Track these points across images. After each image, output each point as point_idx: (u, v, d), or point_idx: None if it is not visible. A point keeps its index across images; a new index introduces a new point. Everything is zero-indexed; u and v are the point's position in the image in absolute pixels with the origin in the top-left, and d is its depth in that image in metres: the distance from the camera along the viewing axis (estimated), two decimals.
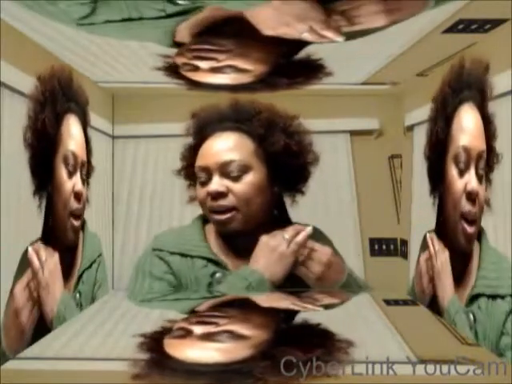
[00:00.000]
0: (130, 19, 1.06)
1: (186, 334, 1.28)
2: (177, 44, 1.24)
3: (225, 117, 1.67)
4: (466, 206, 1.32)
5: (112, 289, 1.83)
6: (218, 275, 1.63)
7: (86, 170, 1.59)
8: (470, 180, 1.31)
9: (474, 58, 1.30)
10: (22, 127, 1.21)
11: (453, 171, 1.40)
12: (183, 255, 1.66)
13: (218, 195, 1.58)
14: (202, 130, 1.68)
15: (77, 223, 1.51)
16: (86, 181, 1.58)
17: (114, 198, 1.89)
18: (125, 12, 1.03)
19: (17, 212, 1.19)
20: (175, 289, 1.65)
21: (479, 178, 1.27)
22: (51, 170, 1.36)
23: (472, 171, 1.31)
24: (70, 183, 1.44)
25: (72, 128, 1.47)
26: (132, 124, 1.89)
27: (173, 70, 1.45)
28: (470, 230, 1.31)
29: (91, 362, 1.13)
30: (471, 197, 1.30)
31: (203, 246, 1.66)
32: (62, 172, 1.40)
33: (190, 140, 1.71)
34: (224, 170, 1.59)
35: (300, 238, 1.65)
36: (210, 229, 1.71)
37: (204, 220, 1.72)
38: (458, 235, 1.37)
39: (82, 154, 1.53)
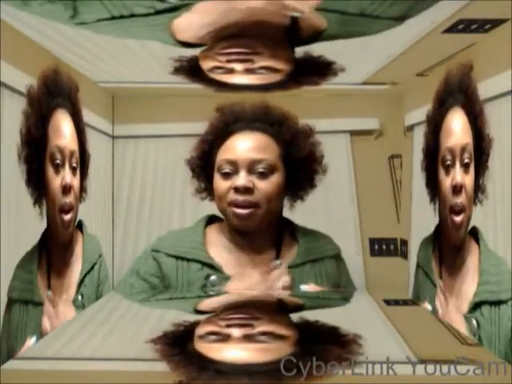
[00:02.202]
0: (122, 17, 1.06)
1: (226, 337, 1.27)
2: (183, 44, 1.25)
3: (255, 117, 1.69)
4: (452, 199, 1.37)
5: (112, 289, 1.83)
6: (212, 278, 1.64)
7: (81, 158, 1.55)
8: (455, 175, 1.35)
9: (459, 64, 1.33)
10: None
11: (441, 174, 1.44)
12: (178, 258, 1.67)
13: (245, 190, 1.59)
14: (229, 125, 1.68)
15: (67, 217, 1.46)
16: (76, 169, 1.52)
17: (114, 198, 1.89)
18: (112, 10, 1.03)
19: (17, 221, 1.19)
20: (156, 291, 1.66)
21: (465, 167, 1.31)
22: (44, 178, 1.33)
23: (457, 165, 1.35)
24: (58, 179, 1.40)
25: (59, 124, 1.42)
26: (132, 124, 1.89)
27: (192, 73, 1.47)
28: (458, 218, 1.35)
29: (91, 362, 1.13)
30: (456, 189, 1.35)
31: (200, 250, 1.67)
32: (50, 172, 1.36)
33: (210, 132, 1.70)
34: (253, 166, 1.60)
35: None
36: (213, 229, 1.72)
37: (208, 221, 1.72)
38: (449, 228, 1.40)
39: (70, 145, 1.47)
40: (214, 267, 1.65)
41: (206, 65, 1.39)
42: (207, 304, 1.58)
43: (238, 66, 1.37)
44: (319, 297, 1.67)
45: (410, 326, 1.40)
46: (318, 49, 1.32)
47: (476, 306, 1.24)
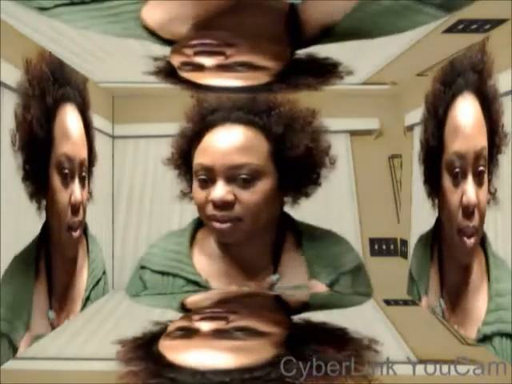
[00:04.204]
0: (82, 2, 0.95)
1: (192, 333, 1.13)
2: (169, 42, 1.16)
3: (237, 105, 1.39)
4: (462, 222, 1.17)
5: (112, 289, 1.83)
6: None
7: (88, 161, 1.44)
8: (466, 190, 1.14)
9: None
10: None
11: (446, 182, 1.26)
12: (164, 273, 1.50)
13: (224, 204, 1.34)
14: (207, 116, 1.41)
15: (75, 234, 1.37)
16: (85, 178, 1.41)
17: (114, 198, 1.89)
18: None
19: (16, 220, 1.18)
20: None
21: (478, 176, 1.14)
22: (46, 176, 1.23)
23: (469, 178, 1.15)
24: (66, 194, 1.27)
25: (67, 122, 1.29)
26: (132, 124, 1.89)
27: (168, 73, 1.33)
28: (470, 242, 1.19)
29: (91, 362, 1.13)
30: (468, 210, 1.14)
31: (186, 264, 1.48)
32: (56, 181, 1.24)
33: (187, 126, 1.49)
34: (233, 174, 1.33)
35: None
36: (204, 233, 1.56)
37: (198, 224, 1.58)
38: (456, 249, 1.27)
39: (80, 152, 1.35)
40: (199, 284, 1.46)
41: (175, 61, 1.20)
42: (198, 301, 1.51)
43: (208, 61, 1.14)
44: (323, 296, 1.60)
45: (410, 326, 1.39)
46: (316, 49, 1.31)
47: (486, 337, 1.12)
